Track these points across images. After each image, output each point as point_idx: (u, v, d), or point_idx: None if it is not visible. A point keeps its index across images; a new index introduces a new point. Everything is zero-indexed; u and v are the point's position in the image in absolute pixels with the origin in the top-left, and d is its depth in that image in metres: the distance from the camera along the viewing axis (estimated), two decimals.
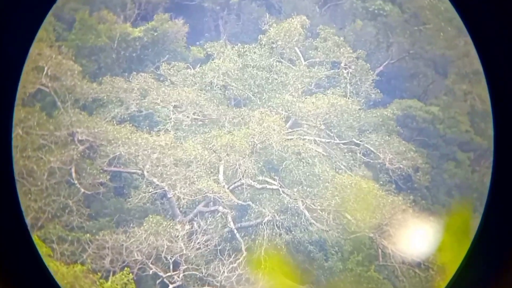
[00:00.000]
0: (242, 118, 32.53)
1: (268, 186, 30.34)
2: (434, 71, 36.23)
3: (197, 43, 36.55)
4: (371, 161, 32.20)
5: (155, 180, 29.42)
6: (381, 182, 31.75)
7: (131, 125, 31.13)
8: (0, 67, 3.89)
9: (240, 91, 33.59)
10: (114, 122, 30.92)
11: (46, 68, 30.11)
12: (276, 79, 32.78)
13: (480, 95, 35.13)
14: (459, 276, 3.96)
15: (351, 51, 33.41)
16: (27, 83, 29.67)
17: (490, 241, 3.89)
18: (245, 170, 29.93)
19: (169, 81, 34.26)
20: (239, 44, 33.87)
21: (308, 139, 32.28)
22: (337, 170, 31.21)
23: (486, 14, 3.81)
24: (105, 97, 31.78)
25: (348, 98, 32.74)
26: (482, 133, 34.99)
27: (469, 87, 35.38)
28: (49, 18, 35.25)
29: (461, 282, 3.94)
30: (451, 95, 35.71)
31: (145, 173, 29.30)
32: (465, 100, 35.54)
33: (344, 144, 32.47)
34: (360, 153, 32.21)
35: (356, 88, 33.43)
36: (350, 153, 32.29)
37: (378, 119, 33.04)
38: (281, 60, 33.29)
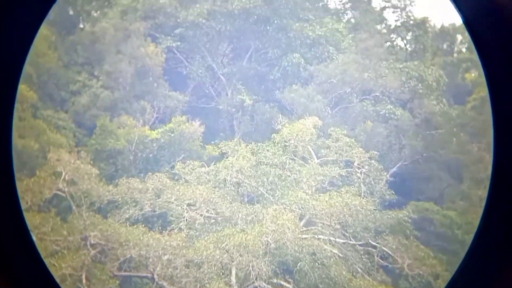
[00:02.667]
0: (255, 216, 29.05)
1: None
2: (449, 175, 32.59)
3: (212, 142, 33.54)
4: (389, 265, 28.35)
5: (165, 284, 25.33)
6: None
7: (144, 225, 28.12)
8: (1, 66, 3.48)
9: (254, 188, 29.91)
10: (127, 224, 28.05)
11: (64, 173, 28.03)
12: (289, 176, 29.11)
13: None
14: (459, 276, 3.60)
15: (363, 151, 29.82)
16: (44, 188, 27.52)
17: (490, 241, 3.50)
18: (259, 272, 26.11)
19: (183, 179, 30.78)
20: (252, 143, 30.52)
21: (323, 239, 28.40)
22: (354, 273, 27.26)
23: (487, 15, 3.35)
24: (120, 199, 29.21)
25: (363, 198, 28.84)
26: None
27: (485, 193, 31.41)
28: (70, 124, 33.26)
29: (461, 282, 3.57)
30: (467, 201, 31.87)
31: (155, 276, 25.44)
32: (481, 205, 31.12)
33: (360, 245, 28.62)
34: (377, 256, 28.27)
35: (370, 188, 29.56)
36: (367, 256, 28.53)
37: (394, 221, 29.08)
38: (294, 158, 29.80)
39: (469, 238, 30.95)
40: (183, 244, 27.28)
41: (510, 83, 3.40)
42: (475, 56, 44.68)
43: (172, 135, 34.34)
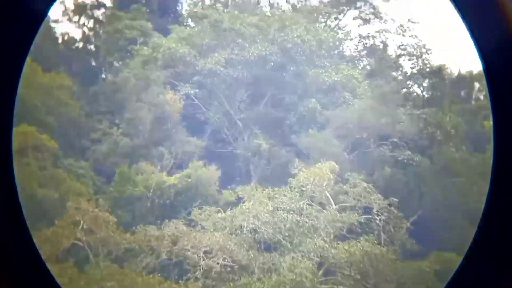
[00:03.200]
0: (272, 264, 27.74)
1: None
2: (471, 224, 30.73)
3: (229, 186, 32.57)
4: None
5: None
6: None
7: (160, 275, 27.48)
8: (0, 66, 3.48)
9: (270, 235, 28.63)
10: (144, 273, 27.37)
11: (82, 222, 27.75)
12: (306, 222, 27.82)
13: None
14: (459, 276, 3.52)
15: (382, 198, 28.46)
16: (63, 238, 27.29)
17: (489, 241, 3.43)
18: None
19: (200, 226, 29.79)
20: (269, 187, 29.44)
21: None
22: None
23: (486, 14, 3.34)
24: (137, 247, 28.70)
25: (383, 247, 27.16)
26: None
27: None
28: (90, 172, 32.98)
29: (461, 282, 3.51)
30: None
31: None
32: None
33: None
34: None
35: (390, 236, 28.07)
36: None
37: (416, 272, 27.12)
38: (312, 203, 28.57)
39: None
40: None
41: (510, 83, 3.35)
42: None
43: (189, 180, 33.68)
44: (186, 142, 35.67)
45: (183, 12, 42.16)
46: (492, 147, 3.45)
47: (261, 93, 35.46)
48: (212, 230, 30.04)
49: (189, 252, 28.85)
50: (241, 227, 29.66)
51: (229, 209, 30.80)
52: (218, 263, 27.82)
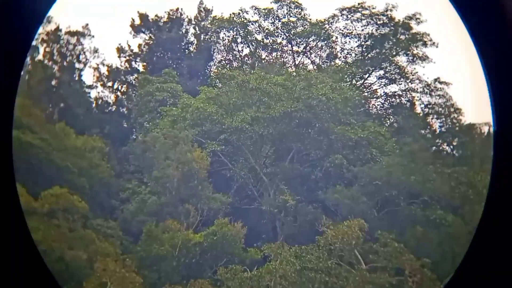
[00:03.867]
0: None
1: None
2: None
3: (255, 244, 30.94)
4: None
5: None
6: None
7: None
8: (0, 66, 3.44)
9: None
10: None
11: (109, 284, 26.95)
12: (335, 283, 25.80)
13: None
14: (458, 276, 3.59)
15: (414, 258, 26.31)
16: None
17: (489, 241, 3.47)
18: None
19: (225, 286, 28.05)
20: (296, 246, 27.68)
21: None
22: None
23: (486, 14, 3.33)
24: None
25: None
26: None
27: None
28: (118, 232, 32.04)
29: (460, 282, 3.56)
30: None
31: None
32: None
33: None
34: None
35: None
36: None
37: None
38: (340, 263, 26.50)
39: None
40: None
41: (510, 83, 3.25)
42: None
43: (215, 238, 32.26)
44: (212, 198, 34.59)
45: (212, 74, 42.39)
46: (492, 147, 3.35)
47: (287, 149, 34.53)
48: None
49: None
50: (268, 287, 27.78)
51: (255, 268, 29.08)
52: None
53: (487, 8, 3.25)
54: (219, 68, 43.31)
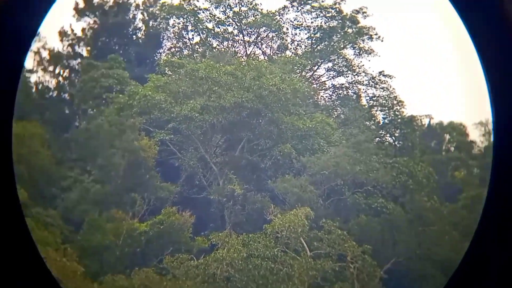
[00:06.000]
0: None
1: None
2: (443, 274, 30.49)
3: (202, 233, 31.60)
4: None
5: None
6: None
7: None
8: (1, 66, 3.50)
9: (244, 283, 27.46)
10: None
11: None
12: (281, 270, 26.92)
13: None
14: (458, 276, 3.55)
15: (356, 245, 28.00)
16: None
17: (488, 241, 3.46)
18: None
19: (171, 274, 28.56)
20: (243, 234, 28.65)
21: None
22: None
23: (486, 14, 3.34)
24: None
25: None
26: None
27: None
28: (58, 221, 31.80)
29: (460, 282, 3.55)
30: None
31: None
32: None
33: None
34: None
35: (364, 285, 27.43)
36: None
37: None
38: (286, 250, 27.73)
39: None
40: None
41: (510, 83, 3.33)
42: (464, 155, 44.40)
43: (162, 227, 32.55)
44: (160, 188, 34.84)
45: (160, 61, 42.43)
46: (492, 146, 3.44)
47: (237, 139, 35.31)
48: (184, 278, 28.84)
49: None
50: (214, 275, 28.58)
51: (202, 256, 29.77)
52: None
53: (487, 8, 3.26)
54: (169, 56, 43.37)
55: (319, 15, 42.15)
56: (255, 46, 43.03)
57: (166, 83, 38.03)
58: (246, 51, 42.71)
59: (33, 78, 44.55)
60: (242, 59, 40.33)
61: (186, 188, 35.39)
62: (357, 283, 27.89)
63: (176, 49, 44.55)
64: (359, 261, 28.33)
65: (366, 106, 40.73)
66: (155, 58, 45.38)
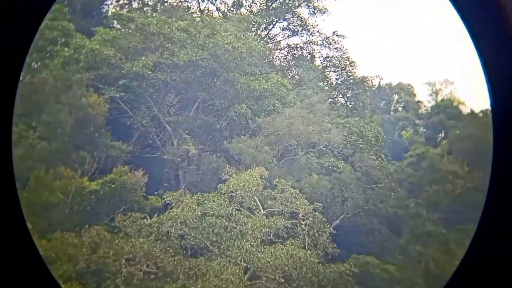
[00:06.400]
0: (198, 269, 27.15)
1: None
2: (389, 229, 32.50)
3: (156, 192, 31.59)
4: None
5: None
6: None
7: (77, 282, 25.90)
8: (1, 66, 3.56)
9: (198, 241, 28.05)
10: (60, 281, 25.19)
11: None
12: (235, 227, 27.66)
13: (434, 257, 31.42)
14: (458, 276, 3.53)
15: (307, 203, 29.14)
16: None
17: (488, 242, 3.44)
18: None
19: (123, 232, 28.60)
20: (198, 193, 29.03)
21: None
22: None
23: (486, 14, 3.33)
24: (53, 255, 26.58)
25: (307, 250, 27.66)
26: None
27: (423, 249, 31.76)
28: None
29: (460, 282, 3.53)
30: (406, 255, 31.70)
31: None
32: (420, 261, 31.43)
33: None
34: None
35: (314, 240, 28.76)
36: None
37: (336, 275, 28.02)
38: (241, 208, 28.44)
39: None
40: None
41: (510, 83, 3.33)
42: (411, 115, 46.40)
43: (113, 186, 32.20)
44: (111, 146, 34.25)
45: (109, 14, 40.80)
46: (492, 145, 3.45)
47: (192, 98, 35.01)
48: (137, 236, 29.00)
49: (110, 260, 27.62)
50: (168, 233, 28.92)
51: (156, 215, 29.91)
52: (141, 270, 26.81)
53: (487, 8, 3.26)
54: (117, 8, 41.78)
55: None
56: (209, 2, 42.19)
57: (115, 37, 36.76)
58: (199, 6, 41.82)
59: None
60: (196, 15, 39.47)
61: (139, 148, 35.02)
62: (308, 239, 29.10)
63: (125, 1, 42.95)
64: (310, 218, 29.47)
65: (320, 67, 41.26)
66: (102, 10, 43.62)
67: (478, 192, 40.00)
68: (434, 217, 35.50)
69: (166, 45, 34.89)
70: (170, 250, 28.04)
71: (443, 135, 49.46)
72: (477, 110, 51.25)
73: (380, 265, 30.85)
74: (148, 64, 34.68)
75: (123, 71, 35.23)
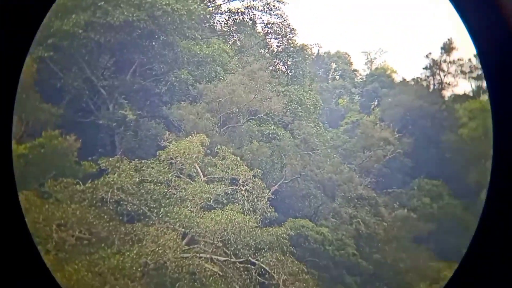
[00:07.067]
0: (135, 235, 26.84)
1: None
2: (323, 193, 33.81)
3: (90, 158, 30.44)
4: (266, 281, 27.88)
5: None
6: None
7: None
8: (0, 67, 3.49)
9: (135, 207, 27.63)
10: None
11: None
12: (174, 194, 27.44)
13: (364, 219, 33.34)
14: (458, 276, 3.55)
15: (248, 169, 29.54)
16: None
17: (488, 241, 3.46)
18: None
19: (54, 198, 27.58)
20: (136, 160, 28.38)
21: (205, 258, 27.04)
22: None
23: (486, 14, 3.34)
24: None
25: (246, 215, 28.20)
26: (367, 258, 32.77)
27: (354, 211, 33.53)
28: None
29: (460, 282, 3.55)
30: (338, 218, 33.25)
31: None
32: (351, 223, 33.19)
33: (240, 263, 27.93)
34: (255, 272, 27.72)
35: (253, 205, 29.34)
36: (246, 273, 27.83)
37: (273, 238, 28.83)
38: (180, 175, 28.25)
39: (340, 255, 32.00)
40: (51, 267, 24.35)
41: (509, 82, 3.35)
42: (347, 83, 47.81)
43: (42, 150, 30.65)
44: (39, 109, 32.43)
45: None
46: (492, 144, 3.45)
47: (128, 61, 33.69)
48: (68, 202, 28.08)
49: (40, 225, 26.66)
50: (103, 199, 28.22)
51: (90, 181, 28.99)
52: (73, 236, 26.16)
53: (487, 8, 3.27)
54: None
55: None
56: None
57: None
58: None
59: None
60: None
61: (71, 111, 33.41)
62: (247, 204, 29.57)
63: None
64: (249, 184, 29.87)
65: (261, 34, 41.04)
66: None
67: (407, 158, 42.57)
68: (366, 181, 37.42)
69: (99, 4, 33.09)
70: (105, 216, 27.41)
71: (376, 103, 51.47)
72: (408, 79, 53.74)
73: (315, 227, 32.16)
74: (79, 22, 32.81)
75: (51, 30, 33.15)
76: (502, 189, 3.43)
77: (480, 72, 48.69)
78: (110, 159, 29.43)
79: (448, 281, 3.70)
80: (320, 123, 36.77)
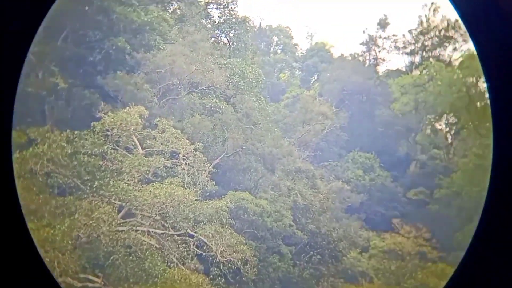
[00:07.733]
0: (66, 208, 25.70)
1: (90, 285, 24.63)
2: (263, 166, 33.91)
3: (18, 127, 28.58)
4: (204, 253, 27.81)
5: None
6: (211, 276, 27.92)
7: None
8: (1, 66, 3.53)
9: (67, 179, 26.40)
10: None
11: None
12: (110, 166, 26.36)
13: (301, 191, 33.95)
14: (458, 276, 3.55)
15: (189, 143, 28.91)
16: None
17: (488, 242, 3.45)
18: (64, 268, 23.68)
19: None
20: (68, 130, 26.99)
21: (141, 231, 26.40)
22: (169, 263, 26.30)
23: (485, 14, 3.36)
24: None
25: (186, 189, 27.75)
26: (302, 228, 33.58)
27: (292, 184, 34.01)
28: None
29: (460, 282, 3.56)
30: (277, 190, 33.57)
31: None
32: (289, 195, 33.63)
33: (178, 235, 27.59)
34: (193, 245, 27.59)
35: (194, 179, 28.86)
36: (184, 245, 27.50)
37: (212, 210, 28.71)
38: (117, 148, 27.17)
39: (277, 226, 32.46)
40: None
41: (509, 82, 3.36)
42: (288, 57, 47.78)
43: None
44: None
45: None
46: (492, 144, 3.46)
47: (59, 27, 31.64)
48: None
49: None
50: (32, 170, 26.76)
51: (18, 151, 27.32)
52: None
53: (487, 7, 3.30)
54: None
55: None
56: None
57: None
58: None
59: None
60: None
61: None
62: (187, 178, 29.06)
63: None
64: (190, 158, 29.31)
65: (203, 3, 39.84)
66: None
67: (343, 132, 43.67)
68: (304, 155, 38.04)
69: None
70: (34, 188, 26.13)
71: (316, 77, 51.88)
72: (346, 54, 54.46)
73: (254, 200, 32.37)
74: None
75: None
76: (502, 189, 3.42)
77: (413, 47, 50.16)
78: (40, 129, 27.91)
79: (448, 281, 3.69)
80: (262, 97, 36.52)
